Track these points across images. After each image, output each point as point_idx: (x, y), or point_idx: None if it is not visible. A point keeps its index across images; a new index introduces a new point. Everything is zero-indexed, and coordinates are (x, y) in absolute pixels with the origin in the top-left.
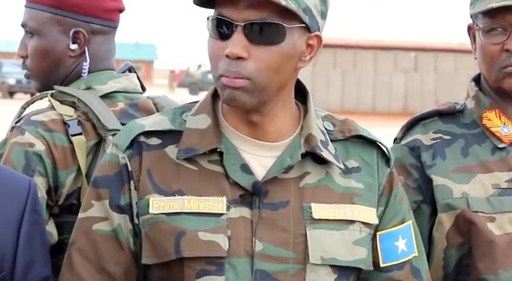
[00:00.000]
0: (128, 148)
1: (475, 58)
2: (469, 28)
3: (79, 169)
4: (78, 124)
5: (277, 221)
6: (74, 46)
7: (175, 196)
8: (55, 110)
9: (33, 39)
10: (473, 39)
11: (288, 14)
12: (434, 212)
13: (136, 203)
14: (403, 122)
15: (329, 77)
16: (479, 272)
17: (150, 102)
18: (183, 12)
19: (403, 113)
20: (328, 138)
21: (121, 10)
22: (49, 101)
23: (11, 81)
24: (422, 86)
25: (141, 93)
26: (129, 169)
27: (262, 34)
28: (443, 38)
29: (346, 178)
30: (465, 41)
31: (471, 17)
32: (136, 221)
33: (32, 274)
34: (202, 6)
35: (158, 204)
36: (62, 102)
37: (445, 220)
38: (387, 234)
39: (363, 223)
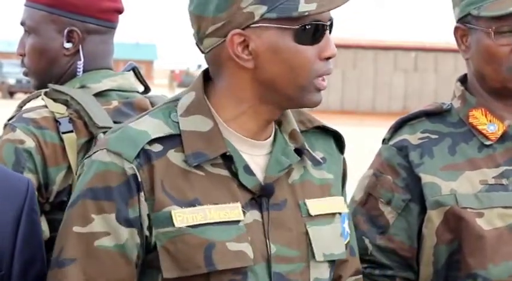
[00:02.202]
0: (135, 157)
1: (467, 58)
2: (457, 29)
3: (69, 166)
4: (69, 122)
5: (284, 222)
6: (68, 45)
7: (195, 206)
8: (47, 108)
9: (30, 37)
10: (461, 40)
11: None
12: (422, 210)
13: (148, 215)
14: None
15: (329, 77)
16: (469, 268)
17: (146, 101)
18: (183, 12)
19: (403, 113)
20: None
21: (119, 11)
22: (42, 99)
23: (11, 81)
24: (422, 86)
25: (138, 92)
26: (139, 179)
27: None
28: (443, 38)
29: (318, 170)
30: None
31: (461, 18)
32: (147, 233)
33: (29, 273)
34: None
35: (181, 216)
36: (55, 100)
37: (435, 217)
38: (341, 217)
39: (339, 213)
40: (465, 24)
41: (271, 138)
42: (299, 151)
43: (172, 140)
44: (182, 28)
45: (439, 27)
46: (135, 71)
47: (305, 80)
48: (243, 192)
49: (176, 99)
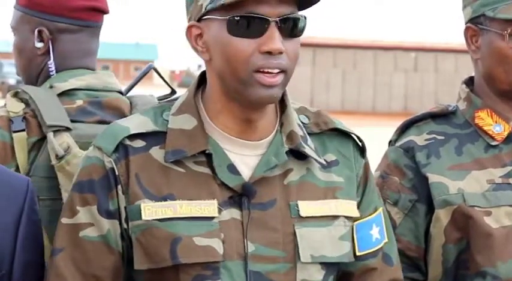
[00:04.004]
0: (114, 151)
1: (477, 59)
2: (468, 29)
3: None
4: (22, 120)
5: (267, 221)
6: (39, 44)
7: (166, 200)
8: (6, 107)
9: (14, 37)
10: (471, 40)
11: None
12: (429, 210)
13: (125, 208)
14: None
15: (329, 77)
16: (478, 266)
17: (119, 101)
18: (183, 12)
19: (403, 113)
20: (306, 133)
21: (96, 9)
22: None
23: (11, 81)
24: (423, 86)
25: (118, 91)
26: (116, 173)
27: (291, 28)
28: (443, 38)
29: (326, 172)
30: None
31: (473, 18)
32: (125, 225)
33: (30, 273)
34: (231, 7)
35: (150, 210)
36: (22, 99)
37: (443, 216)
38: (363, 223)
39: (346, 217)
40: (477, 24)
41: (269, 139)
42: (298, 153)
43: (158, 137)
44: (182, 28)
45: (439, 27)
46: (156, 72)
47: (243, 73)
48: (223, 190)
49: (175, 99)
